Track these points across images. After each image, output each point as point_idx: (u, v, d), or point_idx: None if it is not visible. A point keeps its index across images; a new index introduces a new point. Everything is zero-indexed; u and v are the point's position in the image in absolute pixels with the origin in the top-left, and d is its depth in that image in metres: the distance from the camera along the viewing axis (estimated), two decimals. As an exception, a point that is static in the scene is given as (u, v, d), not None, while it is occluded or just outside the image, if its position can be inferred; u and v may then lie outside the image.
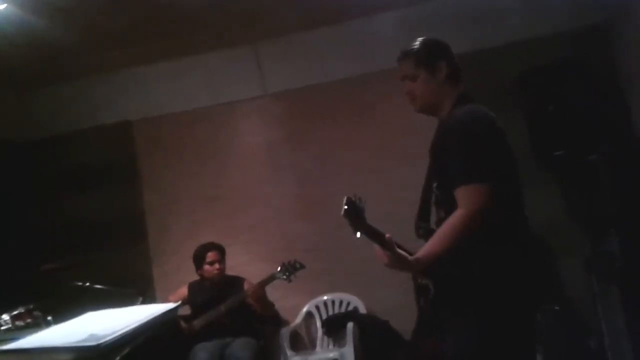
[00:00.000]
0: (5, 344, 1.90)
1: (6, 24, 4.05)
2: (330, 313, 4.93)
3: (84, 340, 1.77)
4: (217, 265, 4.42)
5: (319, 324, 4.91)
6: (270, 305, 4.55)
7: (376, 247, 1.97)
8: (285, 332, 4.75)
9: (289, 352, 4.64)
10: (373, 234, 1.92)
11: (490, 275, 2.05)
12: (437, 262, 2.04)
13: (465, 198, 2.00)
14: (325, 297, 4.98)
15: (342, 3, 4.63)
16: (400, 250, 1.98)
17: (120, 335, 1.79)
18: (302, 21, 4.91)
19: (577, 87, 4.13)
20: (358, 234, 1.88)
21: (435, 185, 2.23)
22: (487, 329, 2.04)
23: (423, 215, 2.30)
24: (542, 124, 4.21)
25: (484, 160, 2.04)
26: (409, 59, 2.30)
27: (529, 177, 2.75)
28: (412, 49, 2.30)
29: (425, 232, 2.24)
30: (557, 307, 4.07)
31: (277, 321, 4.81)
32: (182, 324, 4.28)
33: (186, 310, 4.47)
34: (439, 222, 2.17)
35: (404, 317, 4.43)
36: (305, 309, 4.98)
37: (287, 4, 4.55)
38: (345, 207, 1.83)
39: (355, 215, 1.85)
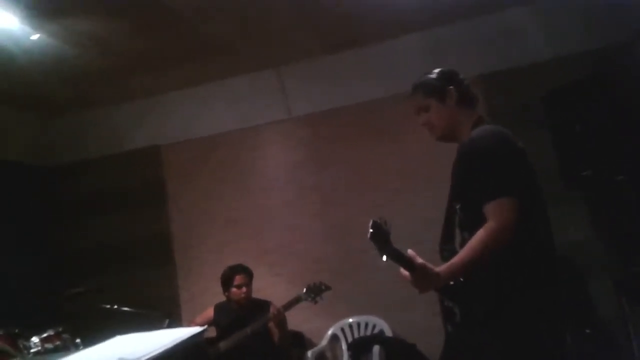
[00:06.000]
0: (36, 367, 1.93)
1: (38, 53, 4.18)
2: (356, 336, 4.90)
3: (113, 364, 1.79)
4: (244, 289, 4.41)
5: (344, 346, 4.87)
6: (288, 333, 4.50)
7: (401, 269, 1.96)
8: (311, 355, 4.72)
9: (314, 375, 4.62)
10: (399, 258, 1.91)
11: (516, 298, 2.03)
12: (463, 275, 2.04)
13: (495, 212, 2.00)
14: (350, 320, 4.95)
15: (365, 26, 4.67)
16: (423, 262, 1.97)
17: (148, 359, 1.80)
18: (325, 45, 4.97)
19: (604, 107, 4.09)
20: (384, 258, 1.87)
21: (458, 207, 2.22)
22: (516, 353, 2.01)
23: (447, 238, 2.29)
24: (569, 144, 4.17)
25: (506, 175, 2.05)
26: (418, 91, 2.37)
27: (556, 197, 2.74)
28: (420, 81, 2.37)
29: (449, 255, 2.21)
30: (587, 330, 3.99)
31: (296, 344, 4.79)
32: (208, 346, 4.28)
33: (212, 332, 4.48)
34: (463, 243, 2.15)
35: (430, 341, 4.39)
36: (330, 332, 4.96)
37: (310, 28, 4.61)
38: (371, 230, 1.82)
39: (382, 239, 1.85)
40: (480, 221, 2.02)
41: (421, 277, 1.95)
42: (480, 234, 1.99)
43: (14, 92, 4.89)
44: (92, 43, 4.28)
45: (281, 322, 4.31)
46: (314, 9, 4.26)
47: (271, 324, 4.33)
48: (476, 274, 2.04)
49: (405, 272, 1.97)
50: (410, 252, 1.94)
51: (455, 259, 2.01)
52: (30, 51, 4.13)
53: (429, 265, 1.97)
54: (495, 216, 1.99)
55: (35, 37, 3.98)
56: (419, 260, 1.96)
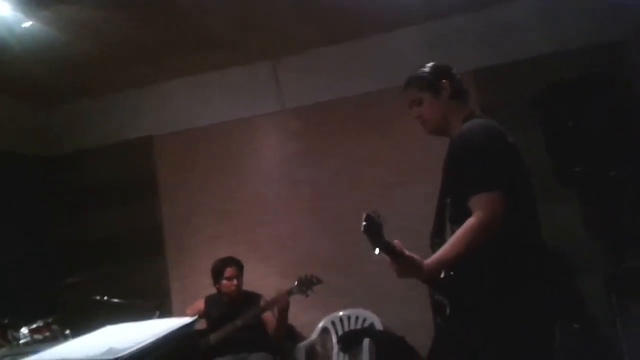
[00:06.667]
0: (25, 357, 1.92)
1: (31, 41, 4.14)
2: (346, 329, 4.90)
3: (102, 354, 1.78)
4: (234, 281, 4.42)
5: (334, 339, 4.88)
6: (286, 323, 4.49)
7: (387, 258, 1.97)
8: (301, 347, 4.72)
9: (304, 368, 4.62)
10: (392, 250, 1.92)
11: (504, 291, 2.04)
12: (449, 268, 2.06)
13: (478, 206, 2.02)
14: (341, 313, 4.96)
15: (360, 19, 4.66)
16: (411, 254, 1.97)
17: (138, 349, 1.80)
18: (320, 37, 4.95)
19: (597, 103, 4.10)
20: (377, 251, 1.88)
21: (448, 201, 2.24)
22: (504, 347, 2.03)
23: (437, 231, 2.31)
24: (562, 140, 4.18)
25: (494, 169, 2.07)
26: (412, 85, 2.40)
27: (548, 193, 2.74)
28: (414, 75, 2.41)
29: (440, 248, 2.23)
30: (575, 325, 4.01)
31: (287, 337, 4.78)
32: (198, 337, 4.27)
33: (202, 324, 4.48)
34: (454, 237, 2.17)
35: (420, 334, 4.43)
36: (321, 325, 4.96)
37: (306, 20, 4.59)
38: (365, 223, 1.83)
39: (375, 232, 1.85)
40: (470, 215, 2.03)
41: (407, 266, 1.96)
42: (464, 228, 2.01)
43: (7, 81, 4.84)
44: (86, 32, 4.24)
45: (284, 309, 4.29)
46: (310, 1, 4.24)
47: (265, 315, 4.33)
48: (465, 267, 2.05)
49: (390, 261, 1.97)
50: (396, 242, 1.95)
51: (440, 252, 2.03)
52: (22, 39, 4.09)
53: (416, 256, 1.99)
54: (479, 209, 2.01)
55: (27, 24, 3.93)
56: (407, 252, 1.97)
